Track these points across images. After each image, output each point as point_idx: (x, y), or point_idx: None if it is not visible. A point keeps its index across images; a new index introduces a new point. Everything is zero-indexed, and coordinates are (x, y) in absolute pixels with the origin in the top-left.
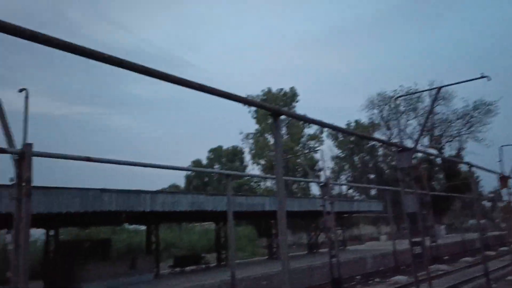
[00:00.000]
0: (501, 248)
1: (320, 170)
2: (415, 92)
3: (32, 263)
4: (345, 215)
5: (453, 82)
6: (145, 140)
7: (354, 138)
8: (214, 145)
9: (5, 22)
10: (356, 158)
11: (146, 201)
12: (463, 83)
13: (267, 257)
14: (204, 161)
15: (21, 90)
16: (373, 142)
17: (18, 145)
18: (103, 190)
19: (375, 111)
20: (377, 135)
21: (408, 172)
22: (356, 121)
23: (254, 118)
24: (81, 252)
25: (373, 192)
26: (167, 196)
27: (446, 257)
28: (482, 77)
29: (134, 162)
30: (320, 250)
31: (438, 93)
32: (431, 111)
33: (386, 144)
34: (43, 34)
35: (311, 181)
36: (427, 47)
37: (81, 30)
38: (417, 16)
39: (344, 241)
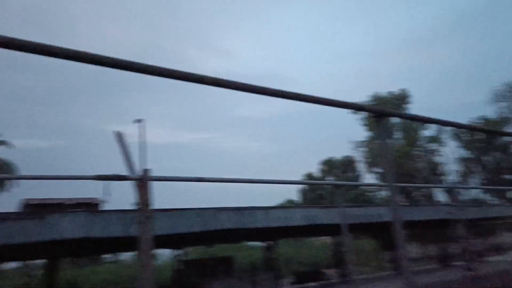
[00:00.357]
0: None
1: (442, 174)
2: None
3: (162, 281)
4: (481, 223)
5: None
6: (259, 159)
7: (484, 137)
8: (326, 158)
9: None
10: (487, 158)
11: (259, 217)
12: None
13: (391, 272)
14: (316, 174)
15: (137, 121)
16: (508, 139)
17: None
18: (219, 209)
19: (504, 103)
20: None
21: None
22: (483, 117)
23: (365, 125)
24: (205, 270)
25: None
26: (281, 211)
27: None
28: None
29: (244, 179)
30: (453, 263)
31: None
32: None
33: (502, 134)
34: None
35: (435, 187)
36: None
37: (183, 59)
38: None
39: (481, 252)
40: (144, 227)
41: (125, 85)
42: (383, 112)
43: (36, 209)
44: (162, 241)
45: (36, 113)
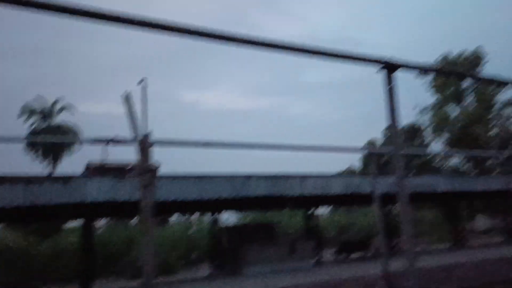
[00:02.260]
0: None
1: None
2: None
3: (199, 247)
4: None
5: None
6: (324, 125)
7: None
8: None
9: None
10: None
11: (295, 186)
12: None
13: (448, 245)
14: (380, 141)
15: (140, 82)
16: None
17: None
18: (249, 177)
19: None
20: None
21: None
22: None
23: (433, 87)
24: (245, 237)
25: None
26: (317, 180)
27: None
28: None
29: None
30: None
31: None
32: None
33: None
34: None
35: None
36: None
37: (258, 24)
38: None
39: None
40: (145, 193)
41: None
42: (395, 64)
43: (95, 173)
44: (192, 206)
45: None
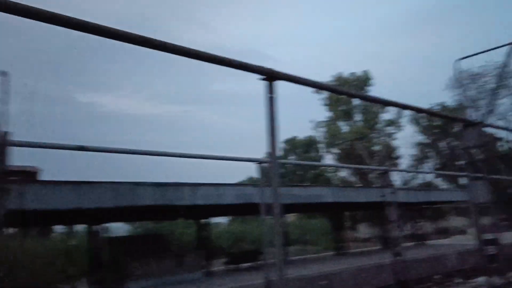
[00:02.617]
0: None
1: (398, 157)
2: (483, 51)
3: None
4: (424, 206)
5: None
6: (229, 134)
7: (441, 123)
8: (289, 137)
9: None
10: (442, 144)
11: (186, 195)
12: None
13: (336, 251)
14: (279, 153)
15: (1, 74)
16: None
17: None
18: (136, 184)
19: (461, 90)
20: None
21: (482, 151)
22: (441, 103)
23: (326, 105)
24: (131, 249)
25: (463, 181)
26: (210, 189)
27: None
28: None
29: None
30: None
31: None
32: (504, 71)
33: (446, 118)
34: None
35: (370, 168)
36: None
37: (164, 29)
38: None
39: (424, 235)
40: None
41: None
42: (274, 75)
43: None
44: (70, 216)
45: None
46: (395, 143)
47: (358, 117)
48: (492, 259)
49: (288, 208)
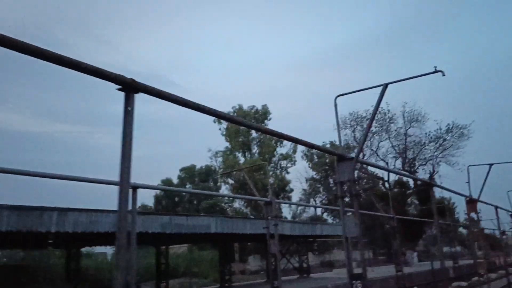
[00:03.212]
0: (473, 278)
1: (291, 191)
2: (360, 90)
3: None
4: (310, 240)
5: (406, 78)
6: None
7: (328, 159)
8: (187, 165)
9: None
10: (331, 180)
11: (52, 221)
12: (418, 78)
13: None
14: (175, 180)
15: None
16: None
17: None
18: None
19: (348, 131)
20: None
21: (359, 186)
22: (331, 142)
23: (224, 135)
24: None
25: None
26: (81, 215)
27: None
28: (436, 71)
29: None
30: (284, 278)
31: (385, 90)
32: (377, 108)
33: (323, 151)
34: None
35: (254, 199)
36: (409, 71)
37: (67, 46)
38: (404, 41)
39: (308, 268)
40: None
41: None
42: (135, 87)
43: None
44: None
45: None
46: (288, 176)
47: (255, 149)
48: None
49: (172, 238)
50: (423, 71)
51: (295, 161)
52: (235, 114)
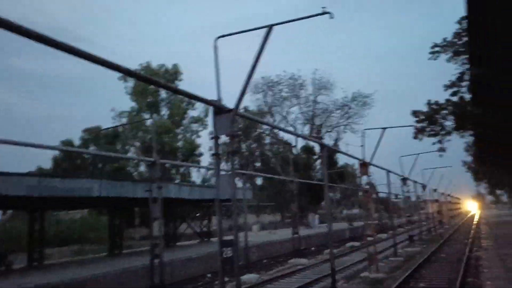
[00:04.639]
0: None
1: (201, 155)
2: (241, 32)
3: None
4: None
5: (292, 19)
6: (26, 118)
7: (242, 125)
8: (91, 126)
9: None
10: (243, 146)
11: None
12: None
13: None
14: (77, 142)
15: None
16: (261, 130)
17: None
18: None
19: (260, 96)
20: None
21: (236, 140)
22: (245, 108)
23: (130, 94)
24: None
25: (259, 181)
26: None
27: (313, 248)
28: (324, 13)
29: None
30: (179, 244)
31: (269, 32)
32: (260, 52)
33: (201, 101)
34: None
35: (138, 159)
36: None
37: None
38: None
39: (209, 233)
40: None
41: None
42: None
43: None
44: None
45: None
46: (199, 140)
47: (164, 111)
48: (227, 261)
49: (49, 202)
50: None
51: (207, 124)
52: (143, 72)
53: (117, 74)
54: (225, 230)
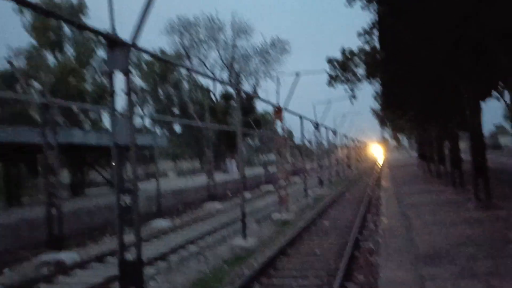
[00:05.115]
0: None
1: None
2: None
3: None
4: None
5: None
6: None
7: (159, 69)
8: None
9: None
10: (161, 91)
11: None
12: None
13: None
14: None
15: None
16: (179, 76)
17: None
18: None
19: (176, 37)
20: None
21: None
22: (161, 50)
23: (27, 30)
24: None
25: (178, 128)
26: None
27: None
28: None
29: None
30: (89, 193)
31: None
32: None
33: (91, 31)
34: None
35: (32, 101)
36: None
37: None
38: None
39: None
40: None
41: None
42: None
43: None
44: None
45: None
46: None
47: (69, 50)
48: (126, 210)
49: None
50: None
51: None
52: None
53: (12, 5)
54: (141, 178)
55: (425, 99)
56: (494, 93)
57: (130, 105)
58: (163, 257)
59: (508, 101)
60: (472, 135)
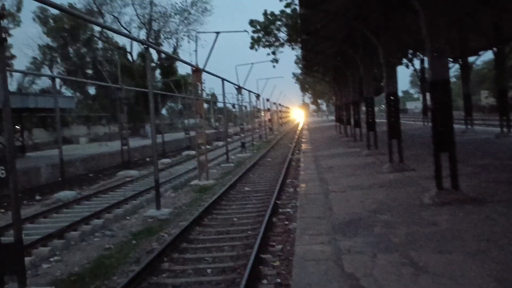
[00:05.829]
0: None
1: (13, 57)
2: None
3: None
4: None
5: None
6: None
7: (68, 25)
8: None
9: None
10: (71, 50)
11: None
12: None
13: None
14: None
15: None
16: (92, 32)
17: None
18: None
19: None
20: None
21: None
22: (69, 4)
23: None
24: None
25: (92, 91)
26: None
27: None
28: None
29: None
30: None
31: None
32: None
33: None
34: None
35: None
36: None
37: None
38: None
39: (23, 147)
40: None
41: None
42: None
43: None
44: None
45: None
46: (10, 40)
47: None
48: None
49: None
50: None
51: (20, 21)
52: None
53: None
54: (48, 144)
55: (341, 61)
56: (404, 60)
57: (2, 55)
58: (61, 233)
59: (417, 67)
60: (388, 99)
